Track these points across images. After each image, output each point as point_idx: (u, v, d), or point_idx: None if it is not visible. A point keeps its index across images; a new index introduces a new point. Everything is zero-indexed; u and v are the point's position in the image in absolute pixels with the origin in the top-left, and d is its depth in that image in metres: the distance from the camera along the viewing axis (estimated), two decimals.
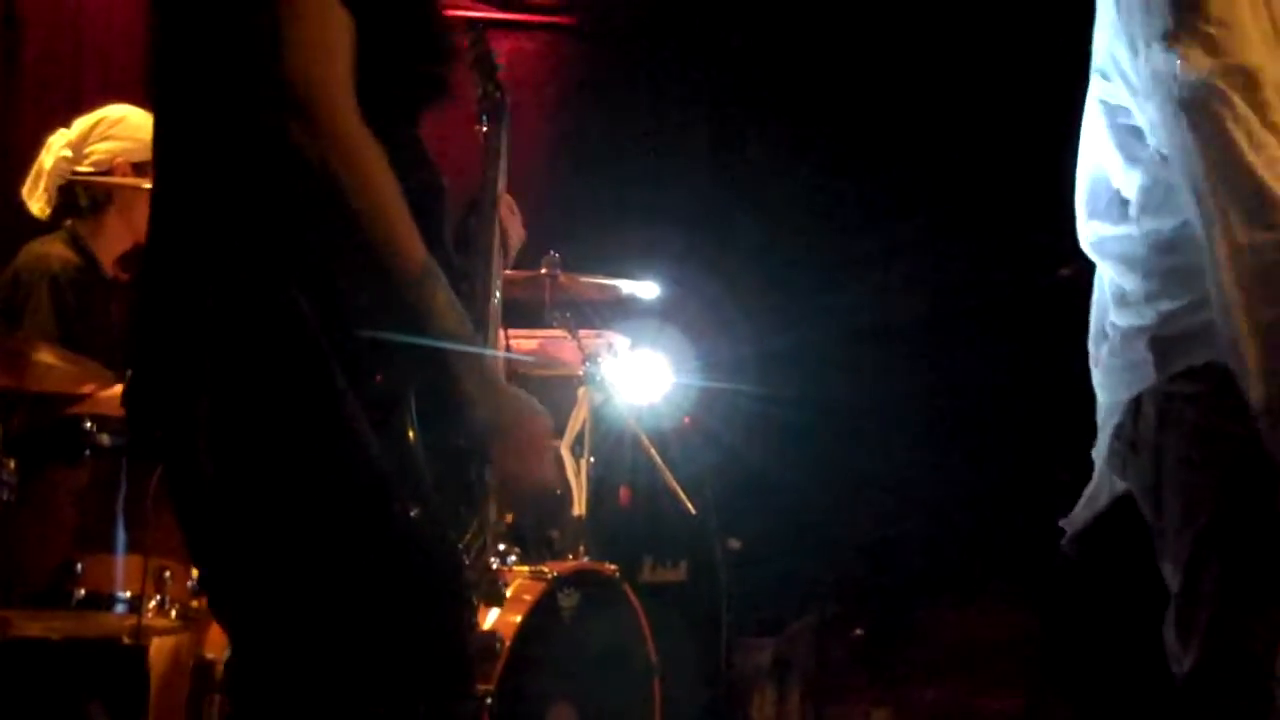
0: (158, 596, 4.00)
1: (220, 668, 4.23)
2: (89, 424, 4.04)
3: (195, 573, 4.13)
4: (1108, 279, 2.99)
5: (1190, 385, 2.77)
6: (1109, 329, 2.98)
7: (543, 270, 5.31)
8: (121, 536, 3.99)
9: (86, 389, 4.25)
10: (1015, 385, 6.50)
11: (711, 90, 7.29)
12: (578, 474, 5.25)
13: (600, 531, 5.36)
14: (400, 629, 2.27)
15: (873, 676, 6.31)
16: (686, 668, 5.73)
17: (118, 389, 4.05)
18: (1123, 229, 2.89)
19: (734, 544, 6.07)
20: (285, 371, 2.21)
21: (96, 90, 5.79)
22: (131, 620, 3.98)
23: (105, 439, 4.02)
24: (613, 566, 4.97)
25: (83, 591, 3.93)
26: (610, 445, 5.70)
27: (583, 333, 5.36)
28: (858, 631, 6.45)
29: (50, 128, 4.87)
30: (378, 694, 2.24)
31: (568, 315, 5.28)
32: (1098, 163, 2.96)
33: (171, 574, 4.03)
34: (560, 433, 5.20)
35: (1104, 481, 3.05)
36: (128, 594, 3.97)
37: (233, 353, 2.22)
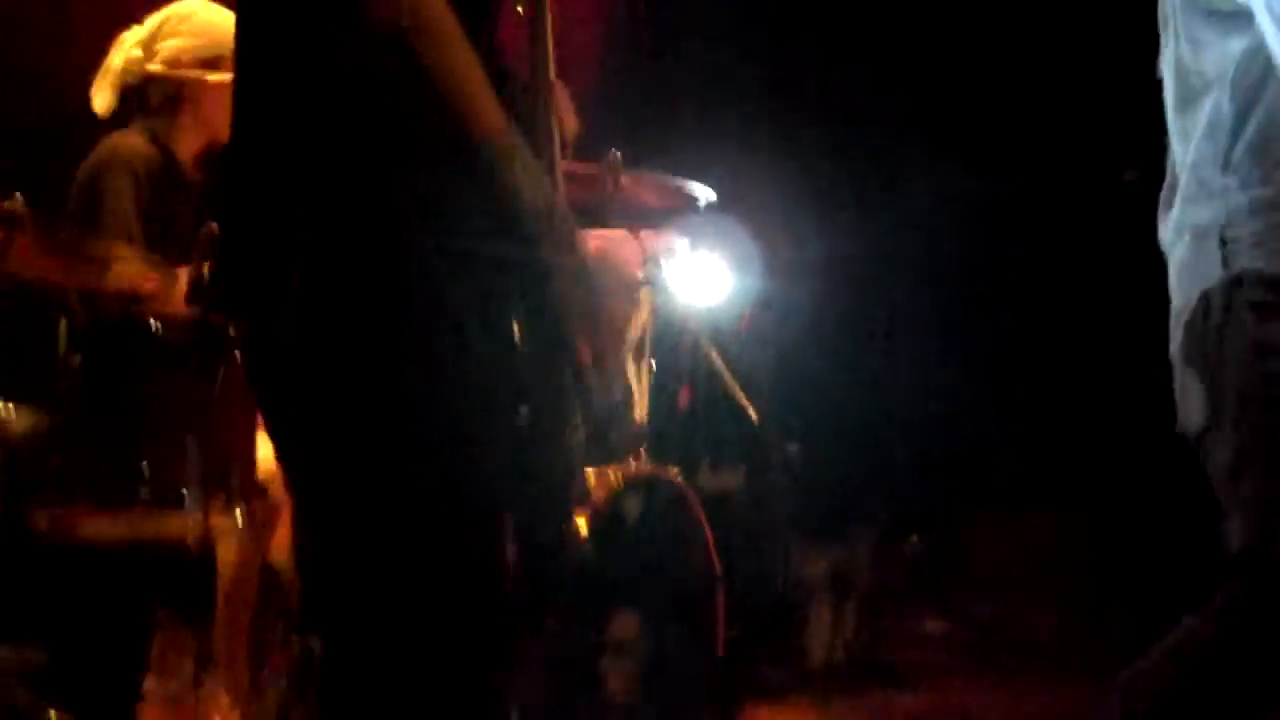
0: (222, 494, 3.97)
1: (285, 571, 4.20)
2: (154, 322, 3.99)
3: (260, 472, 4.12)
4: (1183, 177, 3.04)
5: (1253, 291, 2.86)
6: (1182, 229, 3.03)
7: (603, 169, 5.23)
8: (186, 436, 3.94)
9: (152, 285, 4.19)
10: (1079, 295, 6.44)
11: None
12: (639, 377, 5.19)
13: (658, 434, 5.31)
14: (503, 532, 2.22)
15: (928, 588, 6.27)
16: (744, 575, 5.70)
17: (183, 285, 4.01)
18: (1209, 110, 2.95)
19: (792, 449, 6.01)
20: (383, 265, 2.16)
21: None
22: (197, 520, 3.93)
23: (171, 337, 3.97)
24: (676, 470, 4.91)
25: (147, 490, 3.90)
26: (669, 347, 5.65)
27: (643, 233, 5.29)
28: (914, 540, 6.40)
29: (100, 31, 4.81)
30: (475, 603, 2.19)
31: (629, 214, 5.21)
32: (1181, 54, 3.01)
33: (236, 471, 3.99)
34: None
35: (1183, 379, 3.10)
36: (193, 492, 3.92)
37: (326, 244, 2.17)
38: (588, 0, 6.84)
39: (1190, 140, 3.00)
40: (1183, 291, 3.02)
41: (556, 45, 2.63)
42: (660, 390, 5.54)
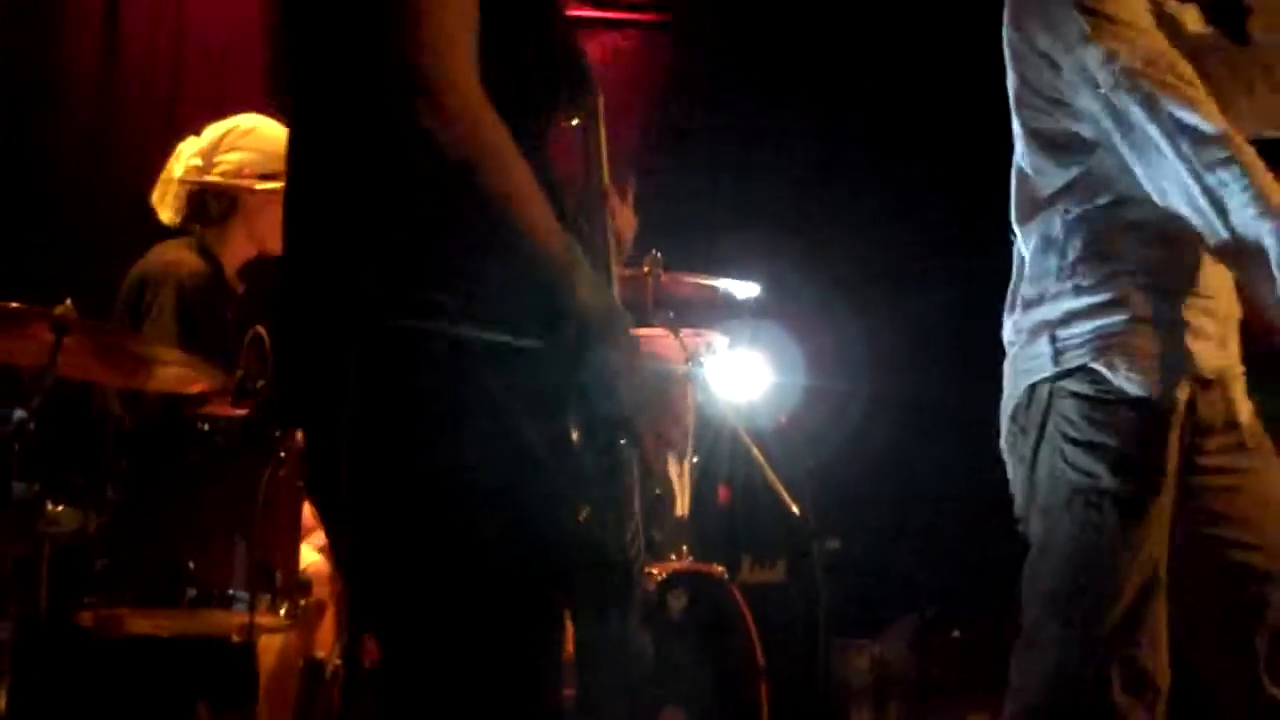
0: (267, 595, 3.98)
1: (329, 668, 4.22)
2: (201, 423, 4.03)
3: (303, 571, 4.14)
4: (1020, 282, 3.28)
5: (1076, 383, 3.10)
6: (1020, 329, 3.25)
7: (644, 269, 5.28)
8: (232, 535, 3.97)
9: (198, 388, 4.24)
10: None
11: (812, 84, 7.21)
12: (680, 474, 5.20)
13: (699, 530, 5.32)
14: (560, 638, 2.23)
15: (970, 680, 6.23)
16: (784, 670, 5.69)
17: (228, 389, 4.06)
18: (1042, 225, 3.22)
19: (832, 544, 6.00)
20: (440, 370, 2.16)
21: (193, 102, 5.83)
22: (241, 618, 3.96)
23: (217, 439, 4.01)
24: (720, 568, 4.93)
25: (193, 590, 3.92)
26: (709, 444, 5.67)
27: (683, 332, 5.32)
28: (955, 634, 6.37)
29: (147, 139, 4.88)
30: (533, 699, 2.20)
31: (670, 314, 5.25)
32: (1026, 171, 3.28)
33: (281, 572, 4.01)
34: None
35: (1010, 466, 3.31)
36: (238, 592, 3.94)
37: (382, 351, 2.17)
38: (623, 103, 6.90)
39: (1025, 251, 3.26)
40: (1012, 383, 3.24)
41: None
42: (701, 486, 5.55)
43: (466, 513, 2.16)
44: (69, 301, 3.88)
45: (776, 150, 7.15)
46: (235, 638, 4.09)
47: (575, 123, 2.64)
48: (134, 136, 5.89)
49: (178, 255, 4.67)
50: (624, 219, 2.83)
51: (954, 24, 6.76)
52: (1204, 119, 2.96)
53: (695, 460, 5.31)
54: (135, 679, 4.33)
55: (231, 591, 3.94)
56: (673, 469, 5.19)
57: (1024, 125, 3.26)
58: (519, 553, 2.17)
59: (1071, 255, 3.14)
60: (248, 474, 3.97)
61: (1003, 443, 3.27)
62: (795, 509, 5.45)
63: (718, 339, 5.51)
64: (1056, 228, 3.17)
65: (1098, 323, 3.10)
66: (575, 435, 2.18)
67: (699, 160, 7.18)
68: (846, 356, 6.83)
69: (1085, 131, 3.12)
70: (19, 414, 3.83)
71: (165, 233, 4.76)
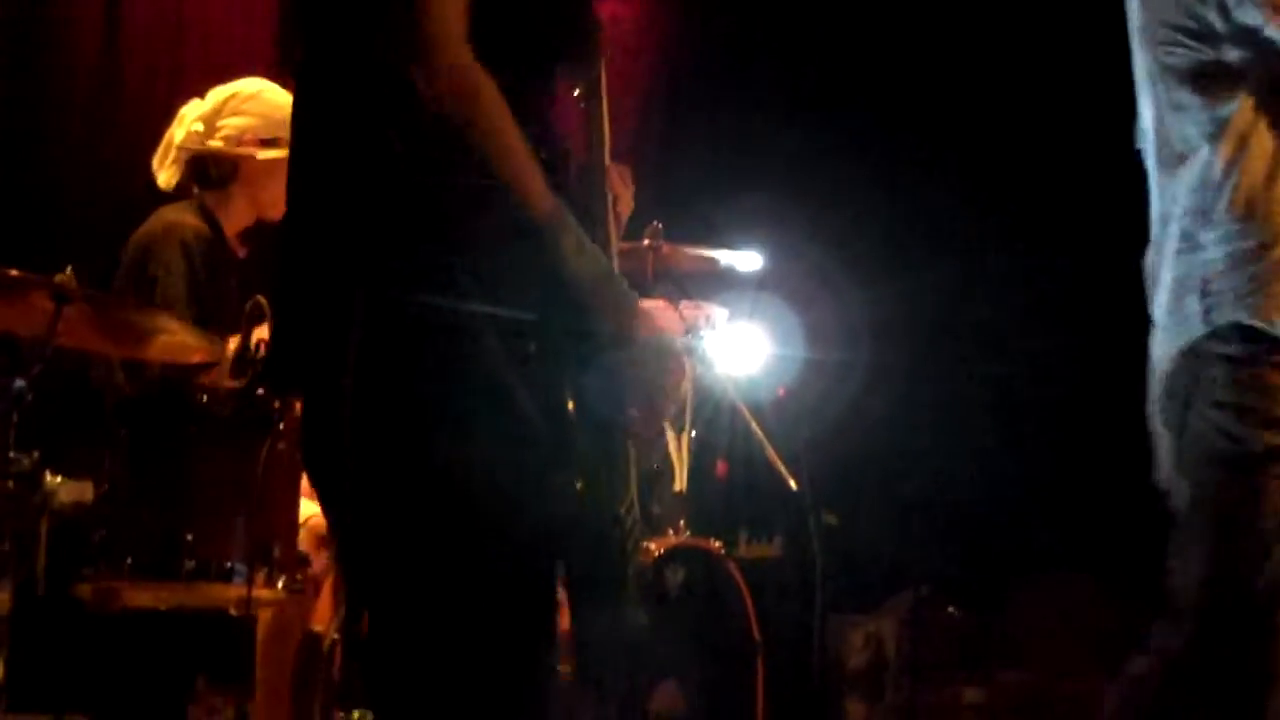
0: (265, 568, 3.95)
1: (327, 641, 4.21)
2: (200, 394, 4.02)
3: (301, 545, 4.13)
4: (1167, 234, 3.20)
5: (1223, 345, 3.06)
6: (1165, 284, 3.20)
7: (645, 241, 5.26)
8: (230, 508, 3.95)
9: (197, 358, 4.22)
10: (1123, 364, 6.39)
11: (813, 55, 7.17)
12: (679, 448, 5.20)
13: (697, 505, 5.32)
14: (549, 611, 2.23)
15: (965, 657, 6.24)
16: (780, 645, 5.69)
17: (229, 358, 4.04)
18: (1196, 168, 3.14)
19: (830, 519, 5.99)
20: (437, 339, 2.17)
21: (197, 68, 5.80)
22: (239, 591, 3.94)
23: (216, 409, 3.99)
24: (717, 543, 4.93)
25: (191, 562, 3.90)
26: (707, 418, 5.66)
27: (683, 304, 5.31)
28: (951, 610, 6.37)
29: (149, 104, 4.85)
30: (526, 680, 2.20)
31: (670, 286, 5.23)
32: (1163, 118, 3.20)
33: (279, 545, 3.99)
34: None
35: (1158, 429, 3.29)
36: (236, 565, 3.93)
37: (382, 320, 2.18)
38: (624, 72, 6.87)
39: (1175, 198, 3.17)
40: (1163, 346, 3.18)
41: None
42: (699, 460, 5.55)
43: (465, 485, 2.17)
44: (69, 270, 3.86)
45: (778, 121, 7.12)
46: (233, 611, 4.07)
47: (577, 94, 2.64)
48: (136, 102, 5.86)
49: (179, 217, 4.65)
50: (623, 201, 2.83)
51: None
52: None
53: (693, 434, 5.31)
54: (133, 652, 4.32)
55: (229, 564, 3.91)
56: (671, 443, 5.19)
57: (1157, 63, 3.20)
58: (515, 525, 2.18)
59: (1224, 199, 3.08)
60: (247, 446, 3.93)
61: (1151, 407, 3.24)
62: (793, 484, 5.44)
63: (717, 312, 5.50)
64: (1214, 169, 3.10)
65: (1250, 269, 3.04)
66: (571, 407, 2.18)
67: (700, 130, 7.16)
68: (846, 329, 6.82)
69: (1232, 57, 3.07)
70: (18, 383, 3.81)
71: (166, 199, 4.73)
